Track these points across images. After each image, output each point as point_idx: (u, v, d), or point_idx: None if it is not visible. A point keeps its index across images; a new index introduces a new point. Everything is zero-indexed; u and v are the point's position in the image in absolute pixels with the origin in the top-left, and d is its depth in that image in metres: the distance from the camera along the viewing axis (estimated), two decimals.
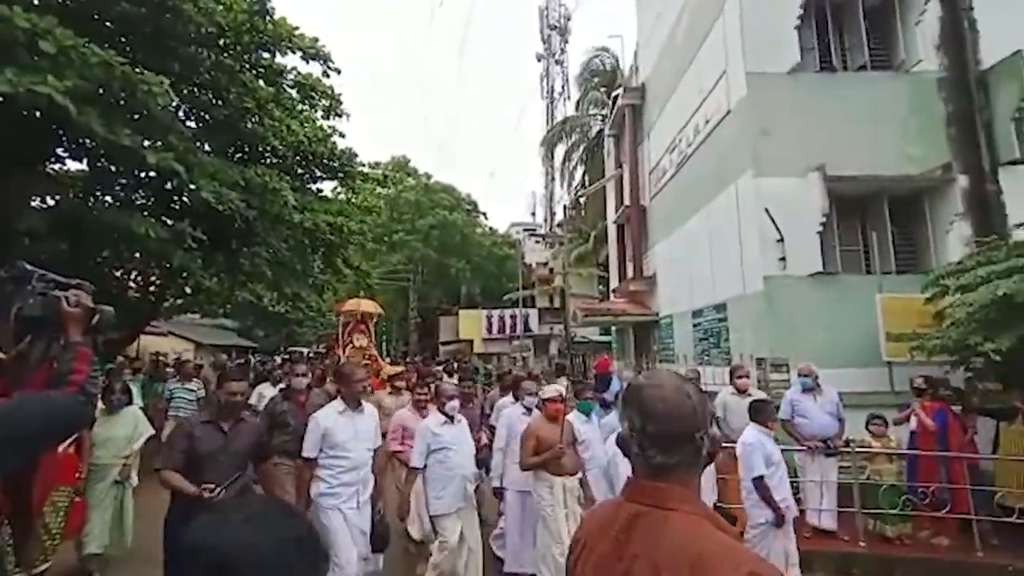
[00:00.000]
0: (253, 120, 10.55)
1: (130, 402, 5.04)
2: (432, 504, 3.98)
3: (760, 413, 4.22)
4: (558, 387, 4.50)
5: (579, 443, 4.35)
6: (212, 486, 2.99)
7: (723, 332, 8.84)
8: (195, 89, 9.80)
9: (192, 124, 10.36)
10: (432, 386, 4.89)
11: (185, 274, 11.01)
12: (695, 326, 10.04)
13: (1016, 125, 7.38)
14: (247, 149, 11.02)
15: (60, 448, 3.73)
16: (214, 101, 10.22)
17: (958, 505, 5.20)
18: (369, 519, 3.71)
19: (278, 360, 18.64)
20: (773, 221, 7.50)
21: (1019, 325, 5.21)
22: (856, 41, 8.34)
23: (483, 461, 4.95)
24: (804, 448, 5.54)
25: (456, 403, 4.24)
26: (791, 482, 4.43)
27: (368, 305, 10.71)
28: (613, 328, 16.92)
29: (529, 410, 4.65)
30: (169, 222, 9.02)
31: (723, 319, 8.85)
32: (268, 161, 11.16)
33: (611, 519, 1.13)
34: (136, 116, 7.76)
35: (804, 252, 7.42)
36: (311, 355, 24.07)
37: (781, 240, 7.52)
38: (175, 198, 10.36)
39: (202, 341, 25.07)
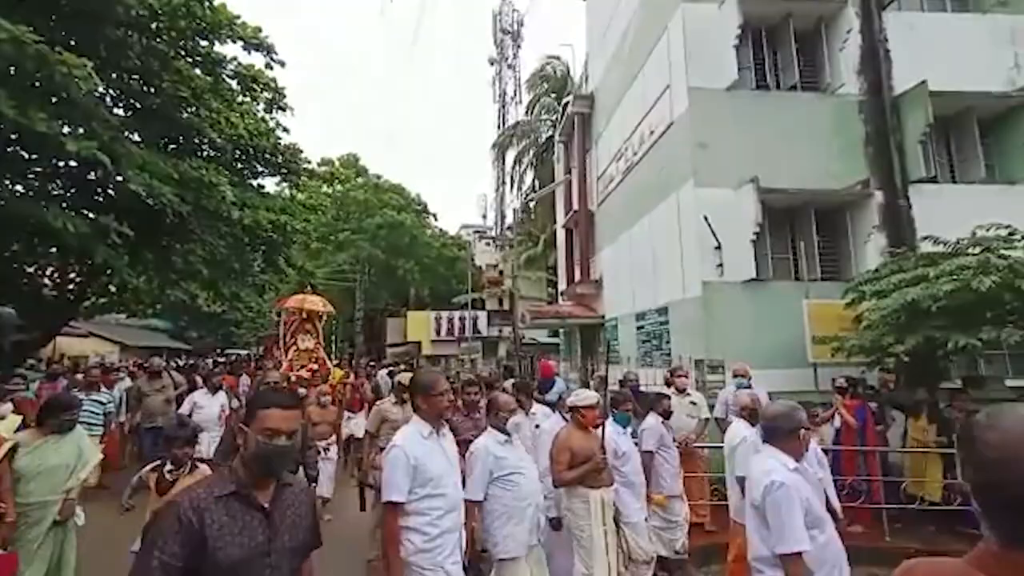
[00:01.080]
0: (188, 110, 10.01)
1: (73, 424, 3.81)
2: (500, 545, 3.13)
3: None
4: (593, 393, 4.09)
5: (619, 456, 3.99)
6: None
7: (664, 334, 9.18)
8: (124, 75, 9.19)
9: (120, 112, 9.70)
10: (480, 397, 4.40)
11: (109, 271, 10.29)
12: (639, 328, 10.37)
13: (923, 147, 8.13)
14: (182, 140, 10.44)
15: None
16: (145, 88, 9.62)
17: (873, 495, 5.68)
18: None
19: (209, 363, 17.62)
20: (711, 229, 7.88)
21: (924, 328, 5.73)
22: (788, 62, 8.90)
23: None
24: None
25: (519, 418, 3.82)
26: (720, 477, 4.66)
27: (315, 302, 9.55)
28: (561, 330, 17.19)
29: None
30: (91, 215, 8.41)
31: (665, 322, 9.19)
32: (205, 154, 10.62)
33: None
34: (55, 100, 7.20)
35: (739, 259, 7.83)
36: (250, 358, 22.99)
37: (719, 248, 7.91)
38: (99, 189, 9.66)
39: (128, 343, 23.45)
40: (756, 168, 7.99)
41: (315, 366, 9.17)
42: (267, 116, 11.65)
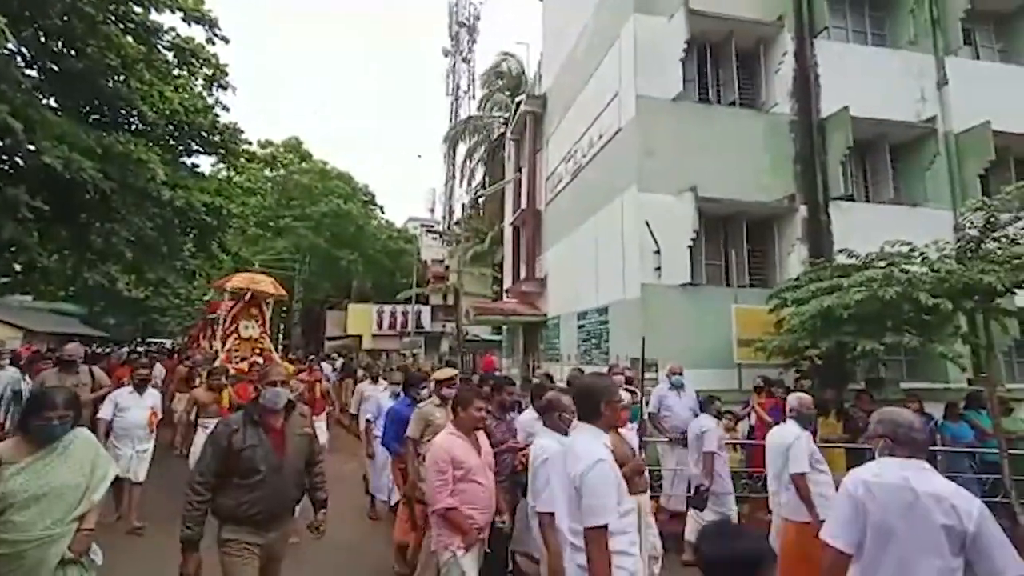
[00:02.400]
0: (116, 79, 9.33)
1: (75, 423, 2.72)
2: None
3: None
4: (627, 394, 3.83)
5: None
6: None
7: (604, 333, 9.49)
8: (41, 33, 8.43)
9: (34, 74, 8.88)
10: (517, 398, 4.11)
11: (14, 248, 9.43)
12: (580, 327, 10.66)
13: (843, 167, 8.85)
14: (107, 112, 9.72)
15: None
16: (66, 51, 8.87)
17: None
18: None
19: (124, 352, 16.19)
20: (652, 234, 8.23)
21: (836, 333, 6.27)
22: (729, 79, 9.41)
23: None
24: (666, 439, 6.16)
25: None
26: (652, 470, 4.92)
27: (264, 282, 8.24)
28: (504, 328, 17.34)
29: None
30: None
31: (605, 321, 9.50)
32: (134, 128, 9.95)
33: None
34: None
35: (676, 264, 8.23)
36: (173, 348, 21.57)
37: (658, 251, 8.27)
38: (5, 157, 8.82)
39: (34, 328, 21.47)
40: (695, 177, 8.41)
41: (258, 358, 7.85)
42: (205, 93, 11.03)
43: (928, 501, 1.94)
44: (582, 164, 11.23)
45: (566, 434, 3.04)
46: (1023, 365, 9.16)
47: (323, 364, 11.70)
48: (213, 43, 10.06)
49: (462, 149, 26.72)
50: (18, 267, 11.77)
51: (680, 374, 6.54)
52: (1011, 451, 5.33)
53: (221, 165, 13.25)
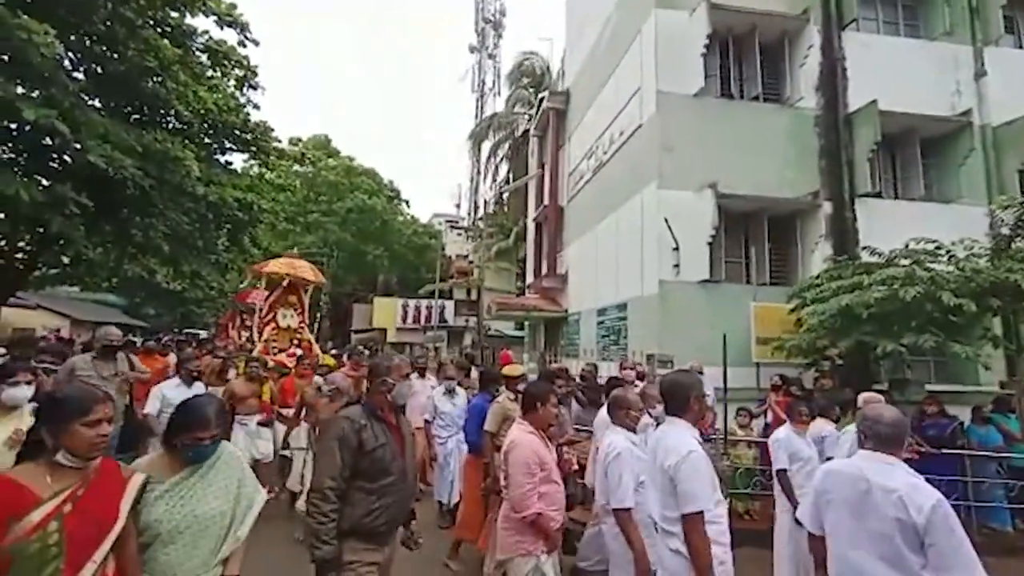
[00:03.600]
0: (155, 80, 9.76)
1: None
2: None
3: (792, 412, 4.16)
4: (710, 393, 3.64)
5: None
6: None
7: (623, 330, 9.52)
8: (86, 38, 8.89)
9: (80, 76, 9.39)
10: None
11: (63, 242, 10.00)
12: (599, 323, 10.70)
13: (870, 163, 8.64)
14: (146, 112, 10.19)
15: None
16: (109, 55, 9.33)
17: None
18: None
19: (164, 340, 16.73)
20: (671, 230, 8.21)
21: (856, 332, 6.18)
22: (752, 73, 9.27)
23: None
24: None
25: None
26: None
27: (304, 268, 7.64)
28: (526, 323, 17.46)
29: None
30: (46, 183, 8.16)
31: (624, 317, 9.52)
32: (171, 127, 10.40)
33: None
34: (8, 59, 6.95)
35: (695, 260, 8.19)
36: (205, 340, 22.35)
37: (677, 248, 8.25)
38: (55, 156, 9.35)
39: (80, 317, 22.60)
40: (716, 173, 8.35)
41: (298, 350, 7.30)
42: (237, 93, 11.45)
43: (879, 493, 1.97)
44: (603, 160, 11.23)
45: (634, 431, 3.08)
46: None
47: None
48: (244, 45, 10.47)
49: (487, 146, 26.84)
50: (66, 259, 12.46)
51: (700, 372, 6.54)
52: None
53: (253, 162, 13.70)
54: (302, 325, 7.49)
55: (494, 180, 27.52)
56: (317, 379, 5.52)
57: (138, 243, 11.00)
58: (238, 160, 13.63)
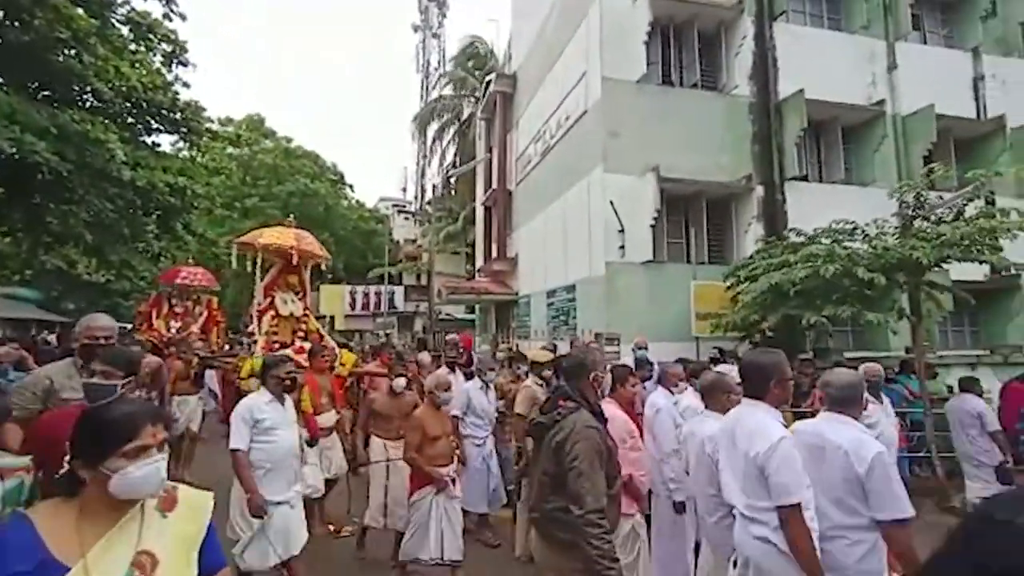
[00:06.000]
0: (67, 53, 8.98)
1: None
2: None
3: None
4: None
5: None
6: None
7: (572, 310, 9.81)
8: None
9: None
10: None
11: None
12: (549, 305, 10.95)
13: (797, 148, 9.24)
14: (58, 89, 9.35)
15: None
16: (10, 23, 8.50)
17: None
18: None
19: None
20: (616, 213, 8.50)
21: (784, 306, 6.69)
22: (691, 62, 9.64)
23: None
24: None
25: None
26: None
27: (311, 241, 6.07)
28: (477, 306, 17.56)
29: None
30: None
31: (572, 299, 9.81)
32: (89, 105, 9.62)
33: None
34: None
35: (639, 242, 8.54)
36: (122, 334, 20.79)
37: (622, 230, 8.56)
38: None
39: None
40: (658, 158, 8.68)
41: (306, 343, 5.78)
42: (164, 70, 10.70)
43: (830, 448, 2.18)
44: (551, 144, 11.39)
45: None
46: (956, 333, 9.88)
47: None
48: (170, 19, 9.76)
49: (433, 128, 26.41)
50: None
51: (645, 348, 6.88)
52: (934, 411, 5.86)
53: (182, 144, 12.89)
54: (307, 312, 6.04)
55: (441, 164, 27.20)
56: (399, 381, 4.37)
57: (55, 232, 10.19)
58: (167, 142, 12.84)
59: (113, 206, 9.98)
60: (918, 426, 6.20)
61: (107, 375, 2.30)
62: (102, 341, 2.82)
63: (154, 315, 8.63)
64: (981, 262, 6.22)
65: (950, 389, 7.55)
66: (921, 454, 6.03)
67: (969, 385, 4.97)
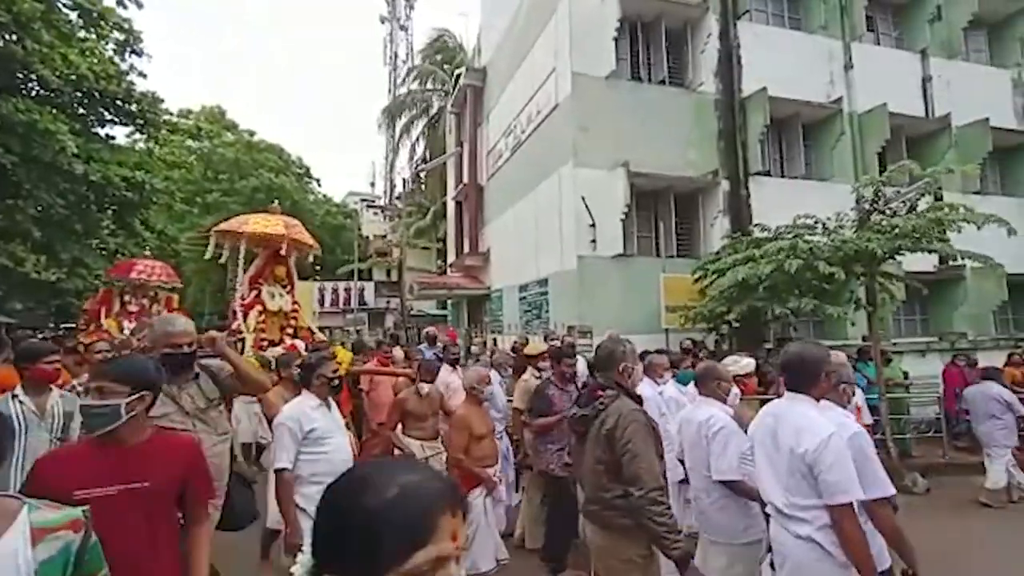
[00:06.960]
0: (8, 38, 8.48)
1: None
2: None
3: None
4: (751, 360, 3.61)
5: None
6: None
7: (544, 304, 9.87)
8: None
9: None
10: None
11: None
12: (522, 299, 11.00)
13: (761, 144, 9.50)
14: None
15: None
16: None
17: None
18: None
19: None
20: (587, 207, 8.58)
21: (749, 299, 6.90)
22: (659, 58, 9.79)
23: None
24: None
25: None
26: None
27: (300, 228, 5.70)
28: (448, 302, 17.48)
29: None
30: None
31: (545, 292, 9.87)
32: (34, 94, 9.11)
33: None
34: None
35: (610, 236, 8.65)
36: (64, 334, 19.87)
37: (593, 224, 8.65)
38: None
39: None
40: (628, 153, 8.79)
41: (298, 341, 5.48)
42: (117, 59, 10.21)
43: (784, 428, 2.15)
44: (521, 139, 11.39)
45: (725, 402, 3.04)
46: (908, 322, 10.38)
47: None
48: (124, 6, 9.31)
49: (402, 122, 26.05)
50: None
51: None
52: (888, 395, 6.16)
53: (139, 136, 12.35)
54: (296, 307, 5.61)
55: (410, 158, 26.88)
56: (424, 387, 4.14)
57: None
58: (122, 134, 12.28)
59: (64, 201, 9.52)
60: (874, 410, 6.50)
61: (104, 392, 1.64)
62: (185, 349, 2.49)
63: (103, 313, 7.77)
64: (931, 251, 6.55)
65: (905, 375, 7.99)
66: (877, 436, 6.32)
67: (993, 374, 5.45)
